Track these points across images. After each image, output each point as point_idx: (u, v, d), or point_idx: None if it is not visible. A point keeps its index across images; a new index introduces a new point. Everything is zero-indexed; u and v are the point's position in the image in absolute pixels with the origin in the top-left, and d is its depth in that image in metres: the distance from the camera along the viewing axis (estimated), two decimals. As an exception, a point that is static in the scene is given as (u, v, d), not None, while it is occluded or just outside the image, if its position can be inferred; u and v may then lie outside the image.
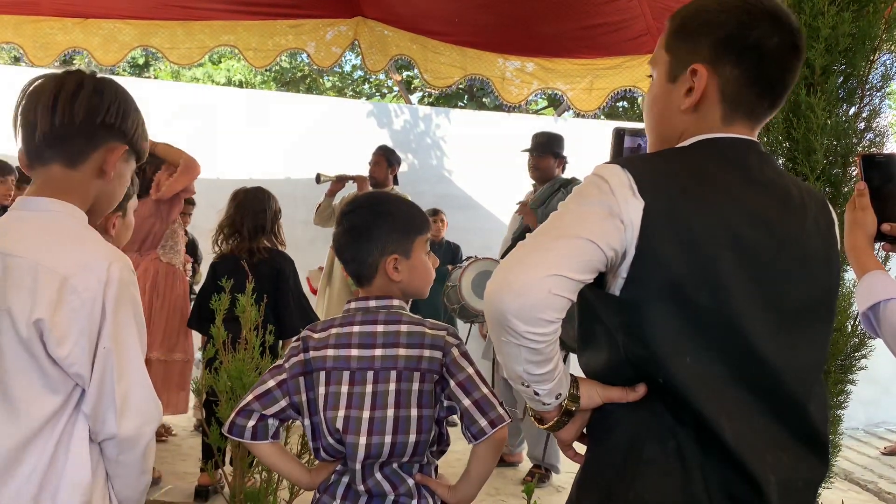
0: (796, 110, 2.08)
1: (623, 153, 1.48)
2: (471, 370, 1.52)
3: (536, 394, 1.13)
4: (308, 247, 5.74)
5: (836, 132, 2.08)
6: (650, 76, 1.28)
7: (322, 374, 1.54)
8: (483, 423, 1.48)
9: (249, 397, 1.57)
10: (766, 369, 1.12)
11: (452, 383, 1.50)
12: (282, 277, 3.43)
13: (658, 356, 1.09)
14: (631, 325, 1.11)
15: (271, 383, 1.56)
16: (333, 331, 1.57)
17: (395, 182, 5.22)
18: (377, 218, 1.62)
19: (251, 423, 1.55)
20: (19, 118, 1.31)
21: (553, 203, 4.09)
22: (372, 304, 1.59)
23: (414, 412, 1.49)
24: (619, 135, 1.50)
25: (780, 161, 1.87)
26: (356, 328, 1.56)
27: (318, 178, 5.00)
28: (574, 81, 5.02)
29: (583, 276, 1.07)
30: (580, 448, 1.26)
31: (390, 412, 1.49)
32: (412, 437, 1.49)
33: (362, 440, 1.48)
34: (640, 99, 7.99)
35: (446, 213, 5.91)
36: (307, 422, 1.56)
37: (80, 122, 1.30)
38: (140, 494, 1.36)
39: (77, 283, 1.21)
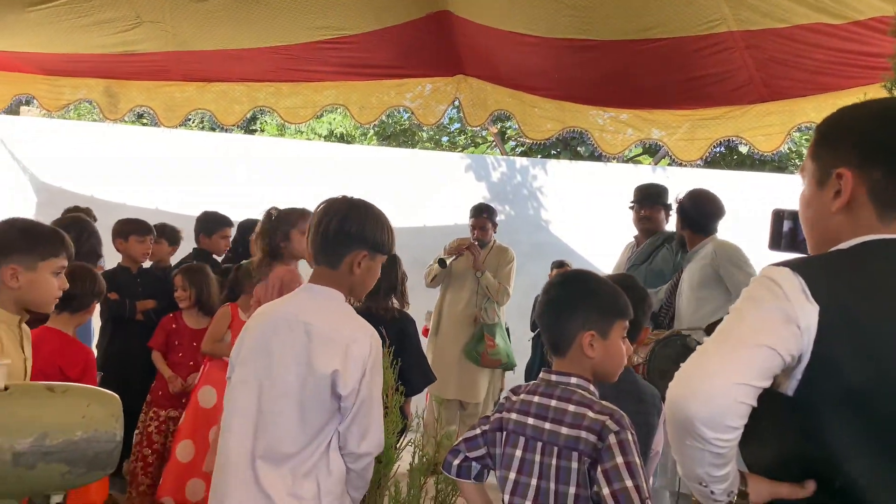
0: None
1: (782, 236, 1.51)
2: (620, 459, 1.52)
3: (712, 492, 1.16)
4: (409, 293, 5.83)
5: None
6: (802, 184, 1.31)
7: (503, 435, 1.69)
8: None
9: (460, 439, 1.77)
10: None
11: (600, 469, 1.52)
12: (406, 337, 3.47)
13: (834, 459, 1.09)
14: (804, 426, 1.12)
15: (478, 430, 1.75)
16: (522, 396, 1.69)
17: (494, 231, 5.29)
18: (584, 293, 1.71)
19: (457, 461, 1.76)
20: (309, 232, 1.99)
21: (657, 260, 4.01)
22: (553, 378, 1.68)
23: (572, 489, 1.55)
24: (778, 217, 1.53)
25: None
26: (536, 398, 1.66)
27: (444, 264, 5.02)
28: (672, 130, 4.97)
29: (764, 383, 1.10)
30: None
31: (552, 485, 1.56)
32: None
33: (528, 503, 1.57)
34: (740, 146, 7.82)
35: (543, 262, 5.93)
36: (498, 473, 1.69)
37: (332, 238, 1.93)
38: (360, 494, 1.97)
39: (355, 348, 1.85)
